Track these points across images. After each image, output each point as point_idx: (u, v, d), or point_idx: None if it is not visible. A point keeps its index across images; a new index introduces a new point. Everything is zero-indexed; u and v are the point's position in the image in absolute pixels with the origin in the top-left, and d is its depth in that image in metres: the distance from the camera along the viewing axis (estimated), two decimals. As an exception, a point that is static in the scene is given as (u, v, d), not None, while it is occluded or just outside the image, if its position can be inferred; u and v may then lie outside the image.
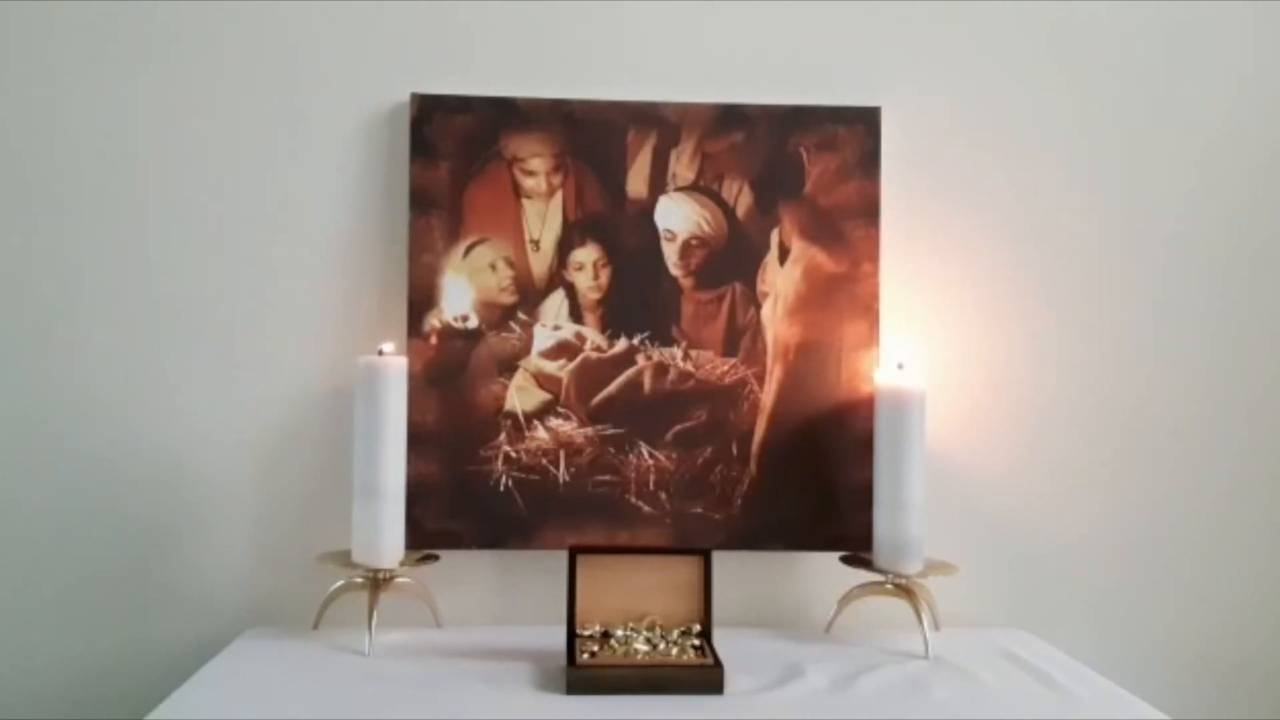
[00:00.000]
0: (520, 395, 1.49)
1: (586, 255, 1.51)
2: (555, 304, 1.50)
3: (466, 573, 1.50)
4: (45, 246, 1.50)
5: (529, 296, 1.50)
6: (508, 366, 1.49)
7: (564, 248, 1.50)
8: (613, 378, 1.50)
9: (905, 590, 1.42)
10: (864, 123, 1.53)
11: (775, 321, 1.51)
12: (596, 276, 1.51)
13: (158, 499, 1.50)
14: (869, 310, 1.51)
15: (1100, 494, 1.58)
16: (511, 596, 1.52)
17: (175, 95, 1.51)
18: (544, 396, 1.49)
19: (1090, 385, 1.58)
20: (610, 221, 1.51)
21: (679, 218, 1.52)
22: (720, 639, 1.32)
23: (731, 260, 1.51)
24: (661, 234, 1.51)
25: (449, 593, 1.49)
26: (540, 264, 1.50)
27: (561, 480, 1.48)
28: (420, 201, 1.49)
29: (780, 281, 1.52)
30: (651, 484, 1.49)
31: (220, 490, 1.51)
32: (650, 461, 1.49)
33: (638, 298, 1.51)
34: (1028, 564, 1.57)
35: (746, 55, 1.55)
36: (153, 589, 1.50)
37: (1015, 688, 1.29)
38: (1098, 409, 1.58)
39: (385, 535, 1.39)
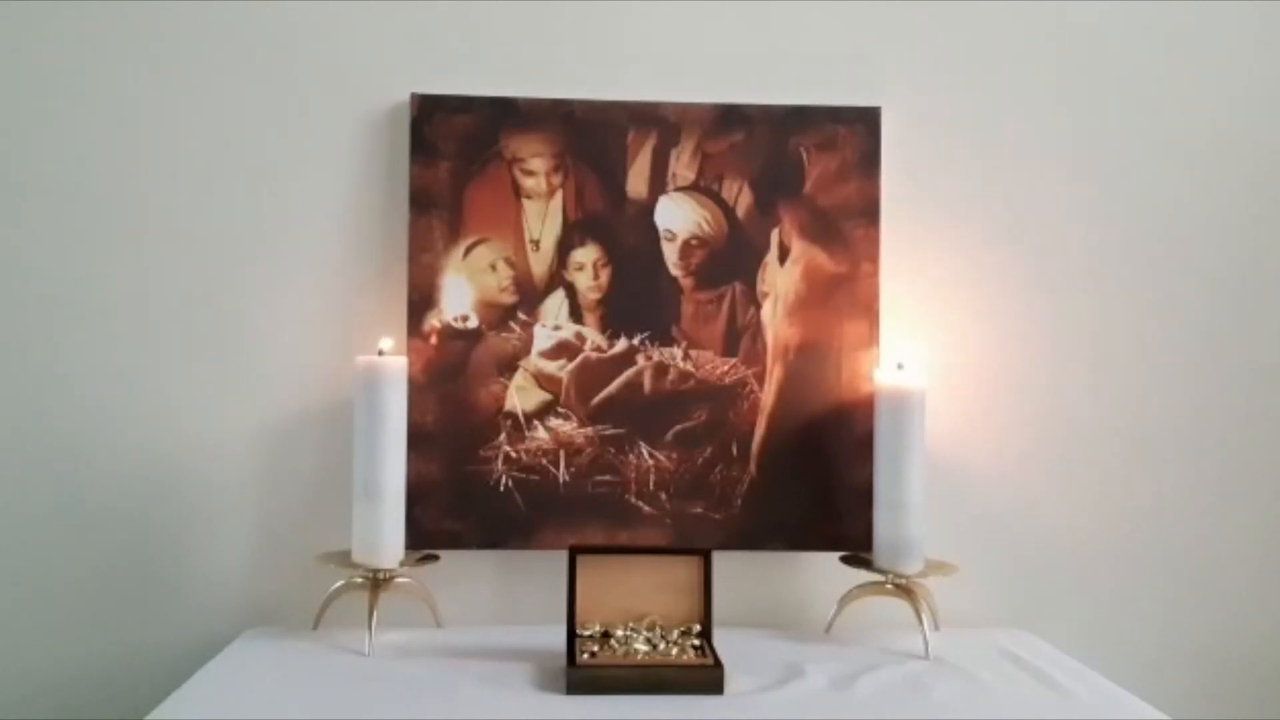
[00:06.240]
0: (520, 395, 1.49)
1: (586, 255, 1.51)
2: (555, 304, 1.50)
3: (466, 573, 1.50)
4: (45, 247, 1.50)
5: (529, 296, 1.50)
6: (508, 366, 1.49)
7: (564, 248, 1.50)
8: (613, 378, 1.50)
9: (905, 590, 1.42)
10: (864, 123, 1.53)
11: (775, 321, 1.51)
12: (596, 276, 1.51)
13: (158, 499, 1.50)
14: (869, 310, 1.51)
15: (1100, 493, 1.58)
16: (511, 596, 1.52)
17: (174, 95, 1.51)
18: (544, 396, 1.49)
19: (1090, 385, 1.58)
20: (610, 221, 1.51)
21: (679, 218, 1.52)
22: (720, 639, 1.32)
23: (731, 260, 1.51)
24: (661, 234, 1.51)
25: (449, 593, 1.49)
26: (540, 264, 1.50)
27: (561, 480, 1.48)
28: (420, 201, 1.49)
29: (780, 281, 1.52)
30: (651, 484, 1.49)
31: (220, 490, 1.51)
32: (650, 461, 1.49)
33: (638, 298, 1.51)
34: (1028, 564, 1.57)
35: (746, 55, 1.55)
36: (153, 589, 1.50)
37: (1015, 688, 1.29)
38: (1097, 408, 1.58)
39: (385, 535, 1.39)
